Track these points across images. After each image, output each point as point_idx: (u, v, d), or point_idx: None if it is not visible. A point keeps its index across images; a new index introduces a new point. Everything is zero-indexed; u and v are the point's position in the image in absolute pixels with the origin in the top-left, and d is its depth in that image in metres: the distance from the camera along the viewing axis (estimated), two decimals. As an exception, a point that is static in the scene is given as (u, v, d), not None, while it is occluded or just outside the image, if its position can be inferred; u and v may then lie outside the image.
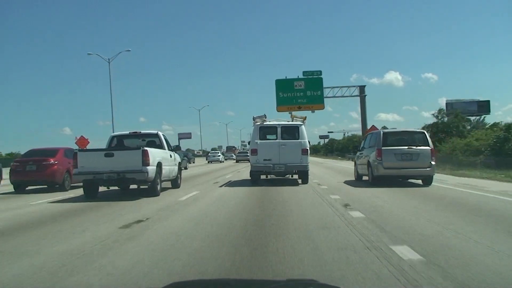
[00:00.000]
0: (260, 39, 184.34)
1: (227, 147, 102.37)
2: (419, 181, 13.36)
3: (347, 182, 14.85)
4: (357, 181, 15.01)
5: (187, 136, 74.36)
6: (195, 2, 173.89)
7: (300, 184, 14.25)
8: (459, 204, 8.69)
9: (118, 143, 12.88)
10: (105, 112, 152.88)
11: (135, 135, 13.28)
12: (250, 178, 14.99)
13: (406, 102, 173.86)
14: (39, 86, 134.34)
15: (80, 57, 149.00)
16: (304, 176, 14.52)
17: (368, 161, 13.92)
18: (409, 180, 13.70)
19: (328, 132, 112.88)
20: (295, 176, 15.44)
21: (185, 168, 29.38)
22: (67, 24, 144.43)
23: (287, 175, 15.56)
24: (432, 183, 12.96)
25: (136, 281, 3.75)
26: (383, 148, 13.22)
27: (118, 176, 10.60)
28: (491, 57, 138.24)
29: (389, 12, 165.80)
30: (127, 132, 13.36)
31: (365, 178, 14.60)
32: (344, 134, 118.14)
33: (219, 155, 54.72)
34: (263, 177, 15.54)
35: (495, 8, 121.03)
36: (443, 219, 6.74)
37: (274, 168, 14.30)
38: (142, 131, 13.49)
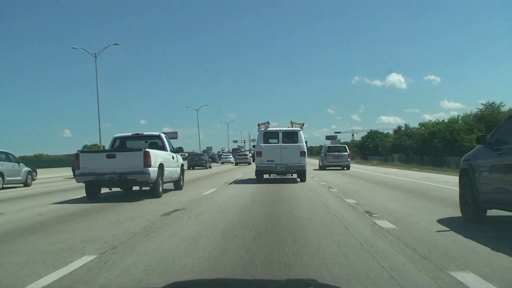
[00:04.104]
0: (261, 40, 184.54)
1: (233, 149, 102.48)
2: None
3: (314, 169, 28.05)
4: (320, 169, 29.23)
5: (173, 136, 73.70)
6: (196, 3, 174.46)
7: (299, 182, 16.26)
8: (358, 176, 20.96)
9: (120, 145, 12.92)
10: (105, 114, 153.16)
11: (137, 137, 13.34)
12: (255, 177, 16.81)
13: (408, 104, 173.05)
14: (39, 88, 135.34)
15: (81, 58, 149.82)
16: (302, 175, 16.45)
17: (322, 158, 29.97)
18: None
19: (335, 132, 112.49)
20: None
21: (210, 167, 39.62)
22: (66, 25, 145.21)
23: (288, 174, 17.41)
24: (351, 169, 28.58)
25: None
26: (327, 152, 29.26)
27: (119, 177, 10.63)
28: (494, 59, 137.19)
29: (392, 14, 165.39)
30: (129, 134, 13.40)
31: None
32: (352, 135, 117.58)
33: (230, 157, 59.53)
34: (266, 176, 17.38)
35: (499, 11, 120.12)
36: (348, 179, 18.38)
37: (276, 168, 16.26)
38: (145, 133, 13.56)
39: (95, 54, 36.67)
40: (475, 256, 4.41)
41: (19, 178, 18.70)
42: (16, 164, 18.84)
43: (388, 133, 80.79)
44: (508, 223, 6.61)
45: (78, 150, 11.22)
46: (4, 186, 17.31)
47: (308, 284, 1.86)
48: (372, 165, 41.71)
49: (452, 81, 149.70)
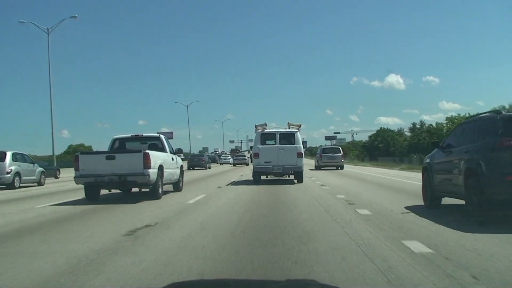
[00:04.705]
0: (260, 41, 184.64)
1: (231, 149, 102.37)
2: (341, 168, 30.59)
3: (310, 169, 29.02)
4: (315, 168, 31.15)
5: (169, 136, 74.17)
6: (195, 4, 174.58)
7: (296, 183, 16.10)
8: (350, 175, 22.68)
9: (120, 146, 12.86)
10: (104, 114, 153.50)
11: (137, 138, 13.29)
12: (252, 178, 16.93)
13: (406, 105, 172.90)
14: (37, 87, 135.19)
15: (80, 59, 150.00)
16: (299, 176, 16.58)
17: (317, 159, 32.61)
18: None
19: (335, 133, 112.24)
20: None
21: (209, 168, 40.37)
22: (64, 24, 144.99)
23: (285, 176, 17.56)
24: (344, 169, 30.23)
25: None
26: (322, 154, 31.55)
27: (119, 179, 10.55)
28: (493, 60, 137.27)
29: (391, 14, 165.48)
30: (129, 135, 13.35)
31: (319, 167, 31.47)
32: (352, 135, 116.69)
33: (229, 158, 59.47)
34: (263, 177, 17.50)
35: (497, 12, 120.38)
36: (340, 177, 20.60)
37: (273, 169, 16.36)
38: (144, 134, 13.54)
39: (48, 29, 32.03)
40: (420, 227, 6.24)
41: (34, 177, 19.73)
42: (31, 165, 19.81)
43: (400, 130, 72.02)
44: (453, 208, 8.01)
45: (78, 152, 11.16)
46: (20, 185, 18.20)
47: (308, 284, 1.86)
48: (400, 169, 30.79)
49: (451, 82, 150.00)
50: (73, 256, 4.75)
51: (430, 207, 8.29)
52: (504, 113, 7.16)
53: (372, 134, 75.66)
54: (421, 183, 9.12)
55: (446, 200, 8.20)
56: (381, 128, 74.32)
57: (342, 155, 31.41)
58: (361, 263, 4.24)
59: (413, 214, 7.56)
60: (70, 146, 78.38)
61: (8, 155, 17.91)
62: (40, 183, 20.04)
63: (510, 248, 4.86)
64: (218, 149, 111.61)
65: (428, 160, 8.83)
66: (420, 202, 8.82)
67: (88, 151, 11.45)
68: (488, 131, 6.62)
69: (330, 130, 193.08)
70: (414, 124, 69.30)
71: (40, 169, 20.54)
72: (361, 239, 5.32)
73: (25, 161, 19.36)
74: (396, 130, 72.41)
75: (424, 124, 63.21)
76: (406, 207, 8.49)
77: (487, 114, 7.36)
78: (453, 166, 7.32)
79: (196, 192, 13.02)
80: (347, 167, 33.42)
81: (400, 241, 5.16)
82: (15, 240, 6.01)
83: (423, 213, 7.58)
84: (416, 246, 4.85)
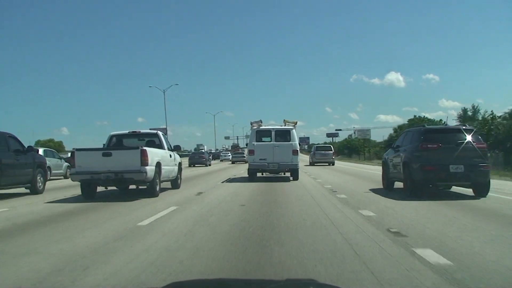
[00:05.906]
0: (259, 41, 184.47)
1: (231, 146, 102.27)
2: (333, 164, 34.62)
3: (305, 165, 32.77)
4: (310, 164, 35.24)
5: (162, 132, 73.79)
6: (195, 3, 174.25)
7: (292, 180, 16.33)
8: (341, 170, 25.77)
9: (117, 143, 12.75)
10: (103, 112, 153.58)
11: (134, 135, 13.15)
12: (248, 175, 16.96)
13: (406, 103, 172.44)
14: (37, 85, 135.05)
15: (79, 57, 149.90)
16: (294, 173, 16.51)
17: (311, 156, 37.29)
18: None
19: (336, 130, 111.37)
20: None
21: (209, 165, 41.43)
22: (64, 25, 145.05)
23: (280, 173, 17.62)
24: (335, 165, 34.47)
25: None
26: (316, 151, 36.39)
27: (116, 176, 10.40)
28: (492, 59, 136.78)
29: (391, 12, 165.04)
30: (126, 132, 13.19)
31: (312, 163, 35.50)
32: (354, 132, 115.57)
33: (229, 155, 61.45)
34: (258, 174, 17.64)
35: (497, 11, 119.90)
36: (332, 172, 23.21)
37: (268, 166, 16.28)
38: (142, 131, 13.39)
39: None
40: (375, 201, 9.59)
41: (61, 171, 22.60)
42: (59, 160, 22.60)
43: (442, 120, 53.84)
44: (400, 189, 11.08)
45: (74, 148, 11.01)
46: (50, 178, 19.87)
47: (308, 284, 1.86)
48: None
49: (450, 80, 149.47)
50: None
51: (387, 188, 11.91)
52: (426, 126, 11.78)
53: (402, 125, 60.08)
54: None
55: (398, 184, 11.43)
56: (415, 116, 60.03)
57: (333, 152, 36.24)
58: (316, 215, 7.59)
59: (372, 193, 11.20)
60: (38, 142, 75.97)
61: (40, 152, 19.67)
62: (66, 176, 22.19)
63: (421, 211, 7.70)
64: (204, 146, 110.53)
65: (385, 156, 12.75)
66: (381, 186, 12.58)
67: (84, 147, 11.48)
68: (416, 137, 10.27)
69: (329, 128, 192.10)
70: (465, 110, 51.89)
71: (66, 164, 22.65)
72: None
73: (53, 157, 22.02)
74: (442, 121, 53.35)
75: (479, 109, 46.48)
76: (370, 189, 12.10)
77: (419, 126, 11.56)
78: (398, 160, 10.99)
79: (194, 189, 12.89)
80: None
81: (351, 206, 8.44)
82: (16, 237, 6.00)
83: (380, 192, 11.24)
84: (365, 211, 7.51)
